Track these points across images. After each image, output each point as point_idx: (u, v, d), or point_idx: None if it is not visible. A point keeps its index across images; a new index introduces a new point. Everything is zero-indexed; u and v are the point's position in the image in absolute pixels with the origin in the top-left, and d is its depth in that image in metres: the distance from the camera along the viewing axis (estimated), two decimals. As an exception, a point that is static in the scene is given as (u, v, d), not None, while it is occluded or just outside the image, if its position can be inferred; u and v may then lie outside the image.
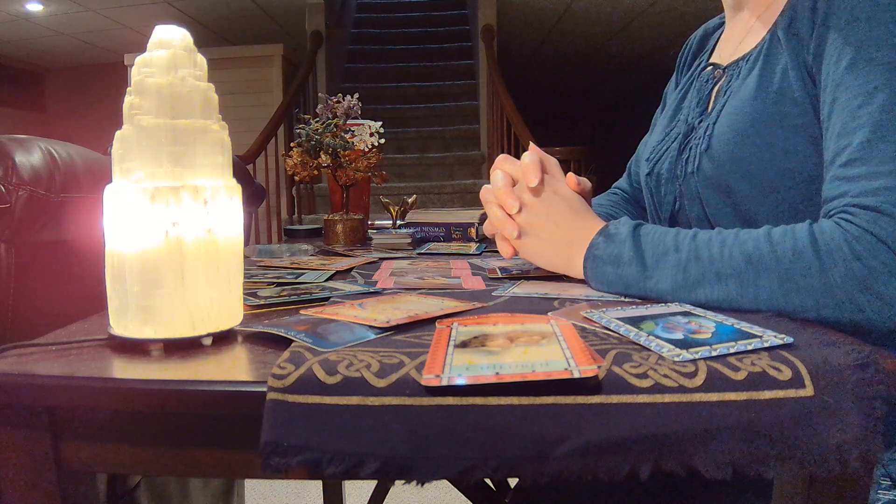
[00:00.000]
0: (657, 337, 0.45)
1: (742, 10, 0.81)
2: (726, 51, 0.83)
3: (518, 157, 0.72)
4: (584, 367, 0.39)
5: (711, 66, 0.84)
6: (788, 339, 0.43)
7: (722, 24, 0.90)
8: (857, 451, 0.38)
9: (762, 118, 0.68)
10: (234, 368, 0.45)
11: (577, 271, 0.66)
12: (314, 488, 2.05)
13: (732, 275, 0.55)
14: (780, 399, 0.38)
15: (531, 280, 0.71)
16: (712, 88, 0.80)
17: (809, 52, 0.66)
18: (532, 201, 0.69)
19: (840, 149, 0.59)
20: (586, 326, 0.50)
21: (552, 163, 0.73)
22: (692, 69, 0.90)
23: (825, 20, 0.64)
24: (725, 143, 0.70)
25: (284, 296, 0.63)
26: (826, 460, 0.38)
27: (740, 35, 0.80)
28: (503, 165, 0.73)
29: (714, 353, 0.41)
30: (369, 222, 1.44)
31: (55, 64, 7.22)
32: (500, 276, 0.75)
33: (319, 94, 1.38)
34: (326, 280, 0.74)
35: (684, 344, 0.43)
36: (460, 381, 0.38)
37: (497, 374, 0.38)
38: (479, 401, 0.38)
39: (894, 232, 0.52)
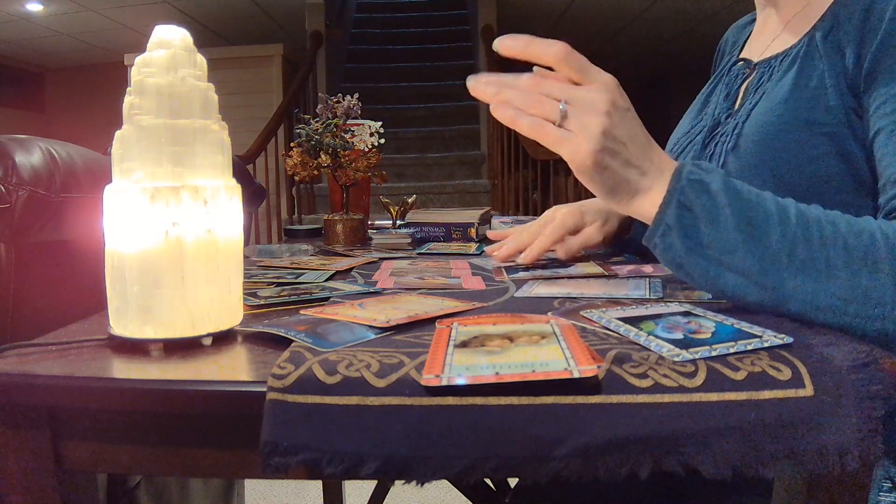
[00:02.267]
0: (657, 337, 0.45)
1: (774, 5, 0.80)
2: (757, 47, 0.82)
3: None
4: (583, 367, 0.39)
5: (742, 62, 0.83)
6: (788, 339, 0.43)
7: (753, 20, 0.90)
8: (857, 451, 0.38)
9: (793, 122, 0.67)
10: (234, 368, 0.45)
11: (642, 212, 0.53)
12: (314, 488, 2.05)
13: (846, 267, 0.48)
14: (780, 399, 0.38)
15: (539, 280, 0.71)
16: (741, 84, 0.80)
17: (860, 65, 0.64)
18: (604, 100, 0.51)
19: None
20: (586, 326, 0.49)
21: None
22: (723, 65, 0.90)
23: (890, 37, 0.62)
24: (753, 143, 0.70)
25: (284, 296, 0.63)
26: (826, 460, 0.38)
27: (773, 31, 0.80)
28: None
29: (714, 353, 0.41)
30: (369, 222, 1.44)
31: (55, 64, 7.22)
32: (506, 277, 0.74)
33: (319, 94, 1.38)
34: (326, 280, 0.74)
35: (684, 344, 0.43)
36: (460, 381, 0.38)
37: (497, 374, 0.38)
38: (478, 401, 0.38)
39: None
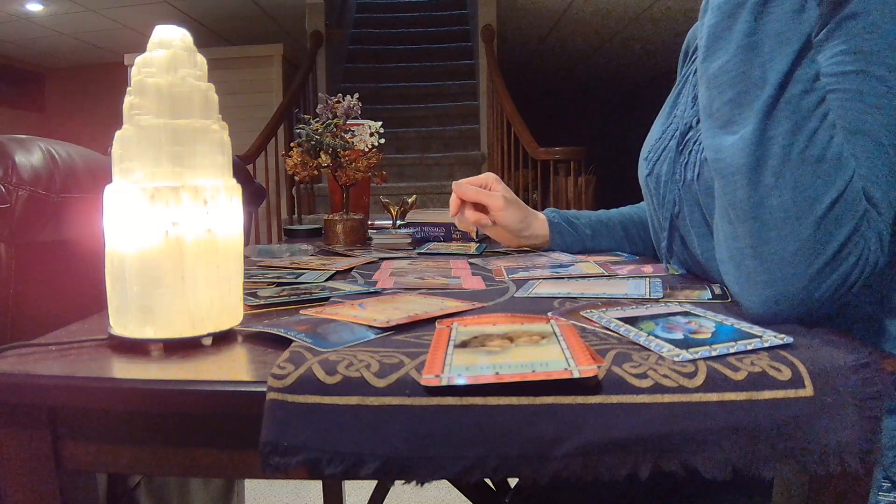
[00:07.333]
0: (657, 337, 0.45)
1: None
2: None
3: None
4: (583, 368, 0.39)
5: None
6: (788, 339, 0.43)
7: None
8: (857, 451, 0.38)
9: None
10: (234, 368, 0.45)
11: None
12: (314, 488, 2.05)
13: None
14: (780, 399, 0.38)
15: (539, 280, 0.71)
16: None
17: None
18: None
19: None
20: (586, 326, 0.50)
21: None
22: (688, 67, 0.88)
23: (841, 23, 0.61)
24: None
25: (284, 296, 0.63)
26: (826, 460, 0.38)
27: None
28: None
29: (714, 353, 0.41)
30: (369, 222, 1.44)
31: (55, 64, 7.22)
32: (506, 277, 0.74)
33: (319, 94, 1.38)
34: (326, 280, 0.74)
35: (684, 344, 0.43)
36: (460, 381, 0.38)
37: (497, 374, 0.38)
38: (478, 401, 0.38)
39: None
